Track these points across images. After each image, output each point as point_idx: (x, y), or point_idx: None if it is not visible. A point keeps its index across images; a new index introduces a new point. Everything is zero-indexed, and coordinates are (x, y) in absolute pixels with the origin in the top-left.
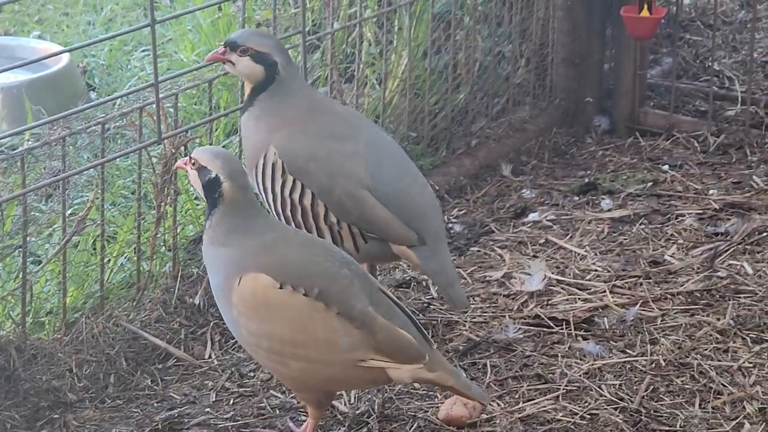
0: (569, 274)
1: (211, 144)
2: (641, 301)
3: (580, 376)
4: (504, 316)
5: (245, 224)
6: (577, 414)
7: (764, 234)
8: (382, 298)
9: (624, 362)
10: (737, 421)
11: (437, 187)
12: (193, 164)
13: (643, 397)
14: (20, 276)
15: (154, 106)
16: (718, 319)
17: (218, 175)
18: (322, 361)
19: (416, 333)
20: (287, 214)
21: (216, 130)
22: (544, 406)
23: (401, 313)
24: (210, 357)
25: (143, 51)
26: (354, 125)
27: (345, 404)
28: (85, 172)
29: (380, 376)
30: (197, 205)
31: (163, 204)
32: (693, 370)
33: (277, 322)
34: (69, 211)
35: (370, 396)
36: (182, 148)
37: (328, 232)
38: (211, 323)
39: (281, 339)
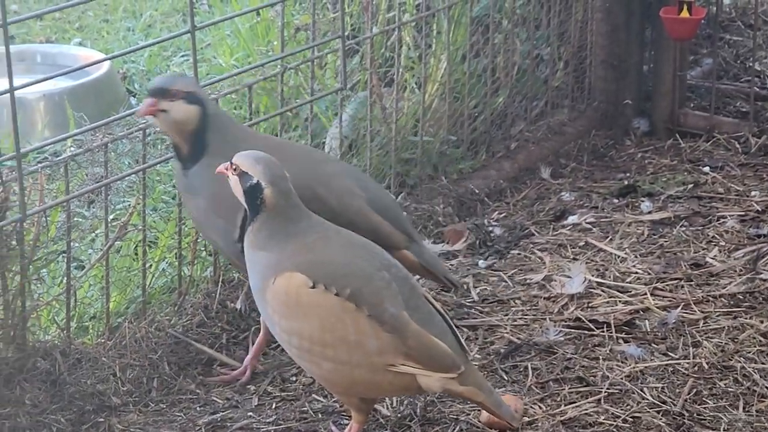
0: (609, 277)
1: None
2: (683, 303)
3: (621, 379)
4: (545, 319)
5: (287, 229)
6: (619, 417)
7: None
8: (422, 304)
9: (666, 365)
10: None
11: (477, 191)
12: (234, 170)
13: (686, 401)
14: (64, 281)
15: None
16: (761, 322)
17: (260, 180)
18: (351, 362)
19: (453, 343)
20: None
21: None
22: (586, 410)
23: (440, 321)
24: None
25: (182, 56)
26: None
27: (387, 408)
28: (126, 178)
29: (411, 383)
30: None
31: None
32: (736, 373)
33: (308, 320)
34: (111, 217)
35: (412, 399)
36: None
37: None
38: (253, 328)
39: (311, 338)
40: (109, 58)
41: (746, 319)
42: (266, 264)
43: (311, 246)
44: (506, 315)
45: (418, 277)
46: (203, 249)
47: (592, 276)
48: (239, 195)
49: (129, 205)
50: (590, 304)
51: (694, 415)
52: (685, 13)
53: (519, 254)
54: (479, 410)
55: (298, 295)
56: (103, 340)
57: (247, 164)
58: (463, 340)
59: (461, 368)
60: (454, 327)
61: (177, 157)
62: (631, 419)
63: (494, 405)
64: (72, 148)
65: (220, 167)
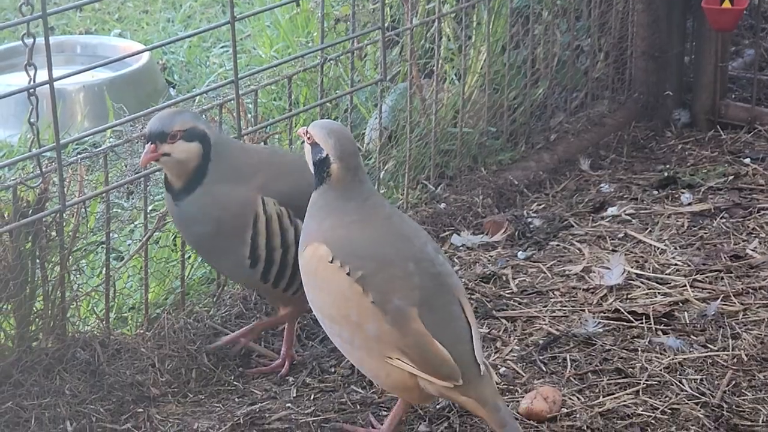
0: (649, 269)
1: (290, 140)
2: (722, 295)
3: (660, 370)
4: (583, 310)
5: (337, 203)
6: (657, 409)
7: None
8: (445, 306)
9: (705, 357)
10: None
11: (516, 182)
12: (308, 138)
13: (725, 392)
14: (104, 272)
15: (234, 102)
16: None
17: (329, 155)
18: (353, 343)
19: (465, 353)
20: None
21: (296, 125)
22: (625, 401)
23: (460, 329)
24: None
25: (222, 47)
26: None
27: None
28: None
29: (410, 381)
30: None
31: None
32: None
33: (322, 293)
34: (150, 207)
35: None
36: (262, 144)
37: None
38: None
39: (321, 310)
40: (149, 49)
41: None
42: (307, 232)
43: (348, 224)
44: (545, 306)
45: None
46: None
47: (632, 267)
48: (309, 163)
49: None
50: (629, 296)
51: (733, 406)
52: (727, 4)
53: (558, 245)
54: (518, 401)
55: (317, 267)
56: (141, 331)
57: (320, 136)
58: (480, 353)
59: (459, 381)
60: (475, 338)
61: (167, 189)
62: (669, 411)
63: (497, 424)
64: (111, 139)
65: (300, 130)
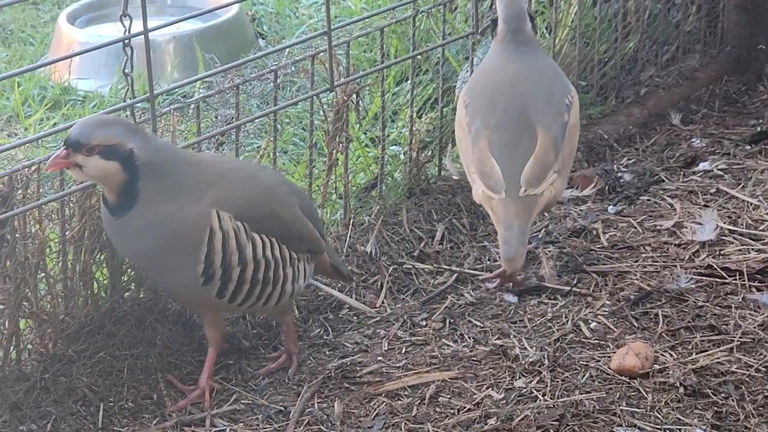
0: (742, 224)
1: (382, 92)
2: None
3: (754, 327)
4: (675, 266)
5: (493, 55)
6: (752, 366)
7: None
8: (517, 135)
9: None
10: None
11: (606, 136)
12: None
13: None
14: None
15: (327, 54)
16: None
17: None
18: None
19: (513, 174)
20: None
21: (387, 78)
22: (718, 358)
23: (519, 156)
24: (382, 305)
25: None
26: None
27: (518, 349)
28: (256, 120)
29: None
30: (368, 152)
31: (334, 151)
32: None
33: None
34: (240, 158)
35: (542, 345)
36: (354, 96)
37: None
38: (383, 271)
39: None
40: (239, 1)
41: None
42: None
43: (484, 70)
44: (636, 261)
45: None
46: (333, 192)
47: (724, 223)
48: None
49: (257, 147)
50: (722, 252)
51: None
52: None
53: (649, 200)
54: (609, 356)
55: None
56: None
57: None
58: (527, 177)
59: (502, 194)
60: (529, 164)
61: (103, 201)
62: (764, 369)
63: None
64: (201, 90)
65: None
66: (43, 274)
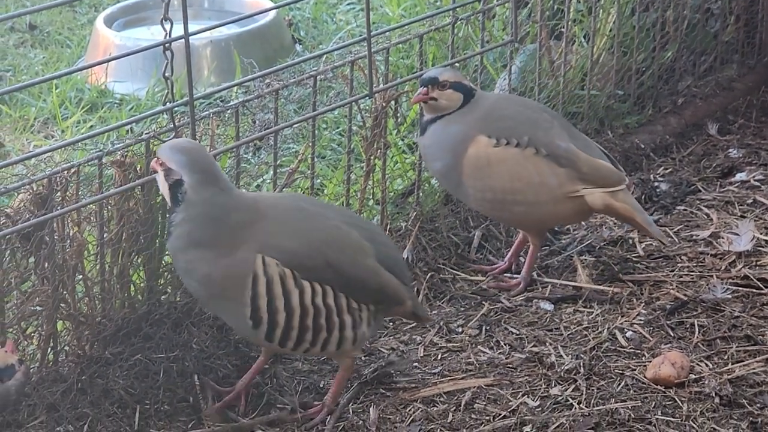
0: None
1: None
2: None
3: None
4: (711, 276)
5: None
6: None
7: None
8: (579, 133)
9: None
10: None
11: (643, 146)
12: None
13: None
14: None
15: (366, 60)
16: None
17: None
18: (539, 201)
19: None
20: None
21: None
22: (754, 369)
23: (595, 145)
24: None
25: (348, 4)
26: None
27: (554, 357)
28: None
29: (582, 207)
30: (406, 158)
31: (372, 157)
32: None
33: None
34: (278, 162)
35: (578, 353)
36: (392, 103)
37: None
38: (420, 277)
39: (503, 189)
40: (277, 7)
41: None
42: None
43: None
44: (672, 271)
45: None
46: (370, 198)
47: (761, 234)
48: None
49: (295, 151)
50: (759, 263)
51: None
52: None
53: (685, 210)
54: (644, 365)
55: (487, 155)
56: None
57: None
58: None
59: (626, 181)
60: (606, 152)
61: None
62: None
63: (645, 223)
64: (239, 94)
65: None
66: (80, 277)
